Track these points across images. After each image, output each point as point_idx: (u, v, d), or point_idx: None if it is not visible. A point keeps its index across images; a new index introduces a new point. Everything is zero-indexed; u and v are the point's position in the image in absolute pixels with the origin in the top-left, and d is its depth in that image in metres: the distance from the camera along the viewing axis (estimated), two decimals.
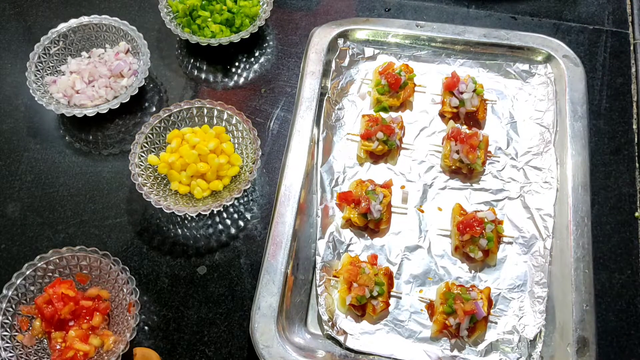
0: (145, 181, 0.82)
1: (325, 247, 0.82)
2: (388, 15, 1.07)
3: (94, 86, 0.93)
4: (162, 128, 0.87)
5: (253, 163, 0.83)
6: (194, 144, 0.83)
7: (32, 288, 0.75)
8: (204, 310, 0.79)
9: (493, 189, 0.87)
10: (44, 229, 0.85)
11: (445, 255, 0.82)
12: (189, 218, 0.86)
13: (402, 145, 0.91)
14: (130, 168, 0.82)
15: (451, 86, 0.92)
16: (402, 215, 0.85)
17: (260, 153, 0.83)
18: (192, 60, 1.02)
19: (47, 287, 0.74)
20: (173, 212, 0.80)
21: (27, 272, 0.75)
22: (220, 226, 0.86)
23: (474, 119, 0.92)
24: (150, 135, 0.86)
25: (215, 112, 0.88)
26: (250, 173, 0.82)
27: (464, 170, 0.87)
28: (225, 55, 1.02)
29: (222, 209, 0.86)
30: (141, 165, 0.84)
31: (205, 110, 0.88)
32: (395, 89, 0.92)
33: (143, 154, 0.84)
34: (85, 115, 0.89)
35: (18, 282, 0.74)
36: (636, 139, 0.93)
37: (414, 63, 0.99)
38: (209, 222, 0.86)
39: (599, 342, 0.73)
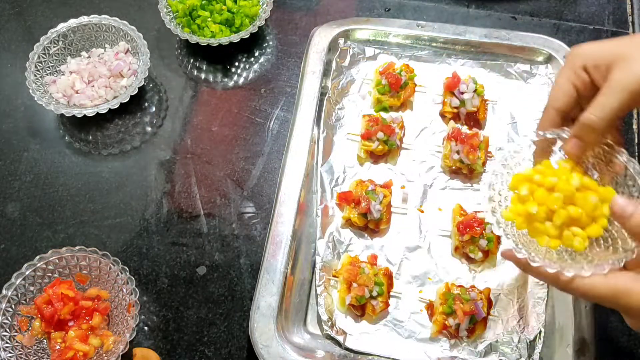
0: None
1: (325, 247, 0.82)
2: (388, 15, 1.07)
3: (93, 86, 0.93)
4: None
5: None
6: (551, 185, 0.61)
7: (31, 288, 0.75)
8: (204, 310, 0.79)
9: None
10: (44, 229, 0.85)
11: (445, 256, 0.82)
12: (188, 218, 0.86)
13: (403, 146, 0.91)
14: None
15: (452, 86, 0.91)
16: (402, 215, 0.85)
17: None
18: (191, 60, 1.02)
19: (47, 287, 0.74)
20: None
21: (27, 273, 0.75)
22: (219, 226, 0.86)
23: (475, 119, 0.92)
24: None
25: None
26: None
27: (465, 170, 0.87)
28: (225, 55, 1.02)
29: (222, 210, 0.86)
30: None
31: None
32: (396, 89, 0.92)
33: None
34: (84, 115, 0.89)
35: (17, 282, 0.74)
36: (636, 139, 0.93)
37: (415, 63, 0.98)
38: (209, 222, 0.86)
39: (598, 343, 0.73)
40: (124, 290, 0.74)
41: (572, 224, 0.60)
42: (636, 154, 0.92)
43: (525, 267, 0.60)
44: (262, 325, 0.74)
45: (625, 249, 0.58)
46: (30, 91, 0.89)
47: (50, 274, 0.76)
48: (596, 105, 0.58)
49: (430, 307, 0.78)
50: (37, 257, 0.75)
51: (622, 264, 0.56)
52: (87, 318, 0.74)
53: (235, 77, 1.00)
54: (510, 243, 0.60)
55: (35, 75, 0.92)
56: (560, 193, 0.60)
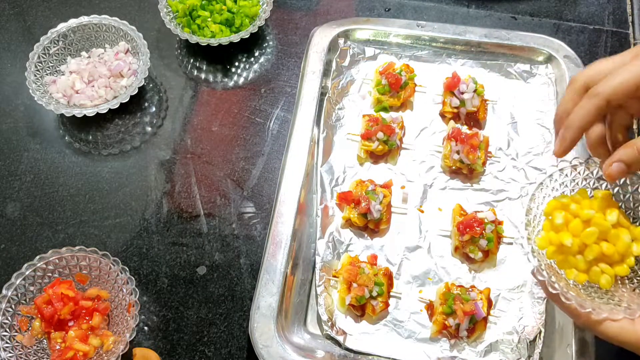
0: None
1: (325, 247, 0.82)
2: (388, 15, 1.07)
3: (93, 86, 0.93)
4: None
5: None
6: (587, 217, 0.59)
7: (31, 288, 0.75)
8: (204, 310, 0.79)
9: (493, 189, 0.87)
10: (44, 229, 0.85)
11: (445, 256, 0.82)
12: (188, 218, 0.86)
13: (403, 146, 0.91)
14: None
15: (452, 86, 0.91)
16: (402, 215, 0.85)
17: None
18: (191, 60, 1.02)
19: (47, 287, 0.74)
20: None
21: (27, 272, 0.75)
22: (220, 226, 0.86)
23: (475, 119, 0.92)
24: None
25: None
26: None
27: (465, 170, 0.87)
28: (225, 55, 1.02)
29: (222, 210, 0.86)
30: None
31: None
32: (396, 89, 0.92)
33: None
34: (84, 115, 0.89)
35: (17, 282, 0.74)
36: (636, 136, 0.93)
37: (415, 63, 0.98)
38: (209, 222, 0.86)
39: (598, 342, 0.73)
40: (124, 290, 0.74)
41: (602, 260, 0.59)
42: None
43: (553, 298, 0.58)
44: (262, 325, 0.74)
45: None
46: (30, 91, 0.89)
47: (50, 274, 0.76)
48: None
49: (430, 307, 0.78)
50: (37, 257, 0.75)
51: None
52: (87, 318, 0.74)
53: (235, 77, 1.00)
54: (544, 275, 0.58)
55: (35, 75, 0.92)
56: (595, 228, 0.58)
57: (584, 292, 0.60)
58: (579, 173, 0.63)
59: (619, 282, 0.61)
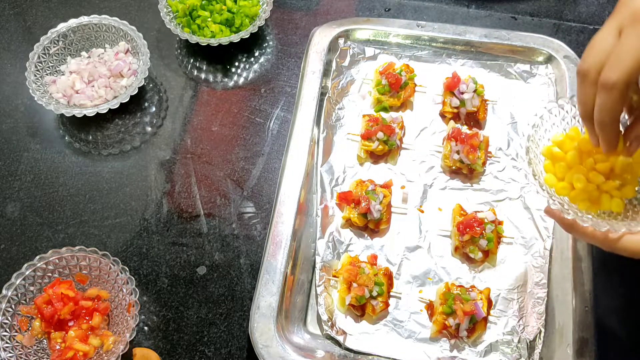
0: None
1: (325, 247, 0.82)
2: (388, 15, 1.07)
3: (93, 86, 0.93)
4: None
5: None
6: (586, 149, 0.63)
7: (31, 288, 0.75)
8: (204, 310, 0.79)
9: (493, 189, 0.87)
10: (44, 229, 0.85)
11: (445, 256, 0.82)
12: (188, 218, 0.86)
13: (403, 146, 0.91)
14: None
15: (452, 86, 0.91)
16: (402, 215, 0.85)
17: None
18: (191, 60, 1.02)
19: (47, 287, 0.74)
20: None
21: (27, 272, 0.75)
22: (220, 226, 0.86)
23: (475, 119, 0.92)
24: None
25: None
26: None
27: (465, 170, 0.87)
28: (225, 55, 1.02)
29: (222, 210, 0.85)
30: None
31: None
32: (396, 89, 0.92)
33: None
34: (84, 115, 0.89)
35: (17, 282, 0.74)
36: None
37: (415, 63, 0.98)
38: (209, 222, 0.86)
39: (598, 342, 0.73)
40: (124, 290, 0.74)
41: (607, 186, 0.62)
42: None
43: (571, 227, 0.61)
44: (262, 325, 0.74)
45: None
46: (30, 91, 0.89)
47: (50, 274, 0.76)
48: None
49: (430, 307, 0.78)
50: (37, 257, 0.75)
51: None
52: (87, 318, 0.74)
53: (235, 77, 1.00)
54: (557, 205, 0.61)
55: (35, 75, 0.92)
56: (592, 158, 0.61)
57: (598, 218, 0.63)
58: (567, 112, 0.64)
59: (631, 212, 0.63)
